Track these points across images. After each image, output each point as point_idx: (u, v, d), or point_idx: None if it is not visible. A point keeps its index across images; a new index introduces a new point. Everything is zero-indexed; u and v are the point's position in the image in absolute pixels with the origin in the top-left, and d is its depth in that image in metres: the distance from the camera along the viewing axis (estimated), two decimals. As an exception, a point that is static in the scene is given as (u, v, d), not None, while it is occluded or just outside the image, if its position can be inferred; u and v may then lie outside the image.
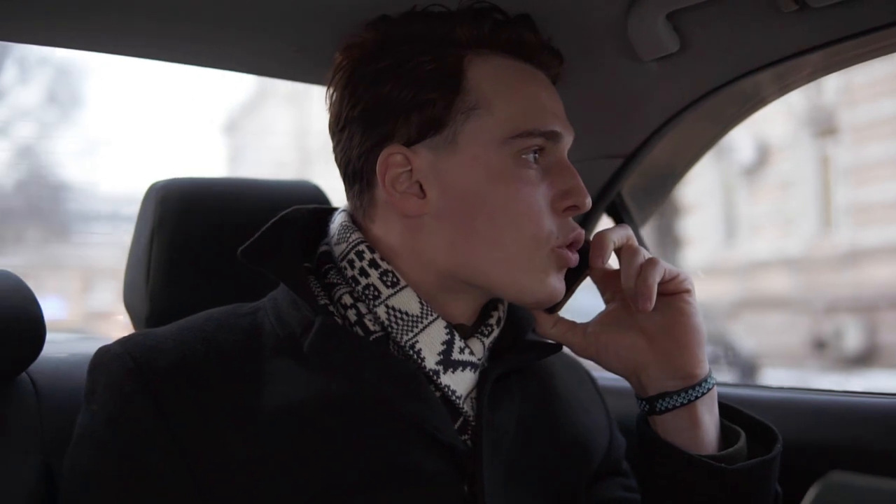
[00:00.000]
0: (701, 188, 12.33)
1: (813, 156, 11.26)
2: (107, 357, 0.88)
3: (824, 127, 11.08)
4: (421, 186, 0.91)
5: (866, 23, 1.01)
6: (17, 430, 0.98)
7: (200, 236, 1.14)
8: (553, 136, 0.92)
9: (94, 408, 0.86)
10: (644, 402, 0.98)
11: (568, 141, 0.96)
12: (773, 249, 11.50)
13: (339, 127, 0.95)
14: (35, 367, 1.03)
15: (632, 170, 1.44)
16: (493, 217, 0.90)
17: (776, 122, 11.23)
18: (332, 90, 0.96)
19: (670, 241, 13.03)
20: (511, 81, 0.93)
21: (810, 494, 0.85)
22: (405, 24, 0.94)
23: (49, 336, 1.03)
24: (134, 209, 1.17)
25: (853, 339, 10.25)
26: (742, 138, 11.48)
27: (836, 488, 0.85)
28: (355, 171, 0.95)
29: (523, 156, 0.91)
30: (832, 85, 10.70)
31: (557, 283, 0.93)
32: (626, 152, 1.41)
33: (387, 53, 0.92)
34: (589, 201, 0.93)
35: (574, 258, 0.94)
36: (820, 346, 10.50)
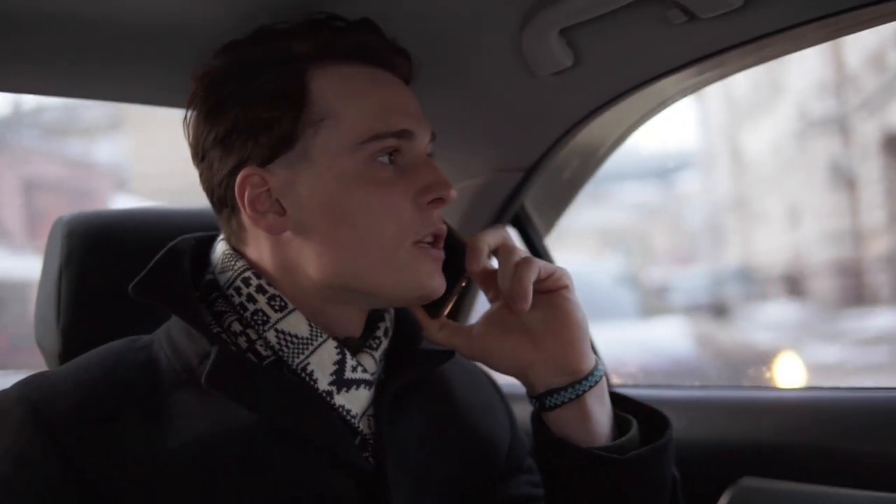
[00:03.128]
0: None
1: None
2: (6, 403, 0.86)
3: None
4: (280, 204, 0.91)
5: (752, 31, 1.03)
6: None
7: (109, 269, 1.13)
8: (405, 135, 0.92)
9: (0, 453, 0.84)
10: (535, 400, 0.99)
11: (424, 137, 0.95)
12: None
13: (199, 157, 0.95)
14: None
15: (533, 182, 1.46)
16: (353, 223, 0.90)
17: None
18: (188, 120, 0.96)
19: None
20: (355, 88, 0.93)
21: (723, 501, 0.85)
22: (248, 47, 0.94)
23: None
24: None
25: None
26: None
27: (747, 493, 0.86)
28: (220, 198, 0.95)
29: (378, 159, 0.91)
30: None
31: (431, 277, 0.93)
32: (527, 165, 1.42)
33: (232, 78, 0.92)
34: (453, 192, 0.93)
35: (438, 254, 0.94)
36: None
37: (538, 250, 1.59)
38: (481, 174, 1.45)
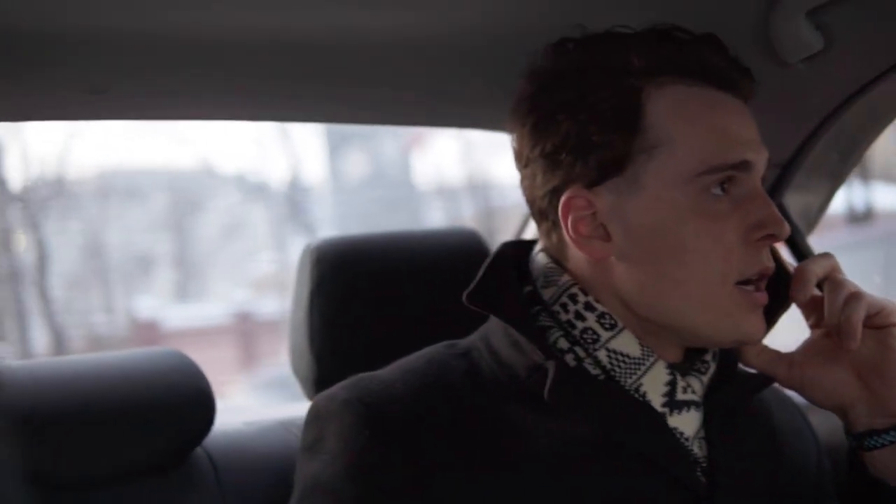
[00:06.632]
0: None
1: None
2: (335, 404, 0.87)
3: None
4: (605, 229, 0.89)
5: None
6: None
7: (360, 294, 1.15)
8: (743, 167, 0.87)
9: (326, 458, 0.85)
10: (852, 438, 0.94)
11: (761, 165, 0.90)
12: None
13: (522, 164, 0.94)
14: (210, 440, 1.05)
15: (791, 178, 1.41)
16: (681, 257, 0.87)
17: None
18: (515, 121, 0.94)
19: None
20: (693, 113, 0.88)
21: None
22: (581, 51, 0.90)
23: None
24: None
25: None
26: None
27: None
28: (541, 210, 0.93)
29: (712, 190, 0.87)
30: None
31: (751, 324, 0.89)
32: (782, 160, 1.37)
33: (564, 85, 0.89)
34: (787, 228, 0.87)
35: (762, 297, 0.89)
36: None
37: (802, 251, 1.53)
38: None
